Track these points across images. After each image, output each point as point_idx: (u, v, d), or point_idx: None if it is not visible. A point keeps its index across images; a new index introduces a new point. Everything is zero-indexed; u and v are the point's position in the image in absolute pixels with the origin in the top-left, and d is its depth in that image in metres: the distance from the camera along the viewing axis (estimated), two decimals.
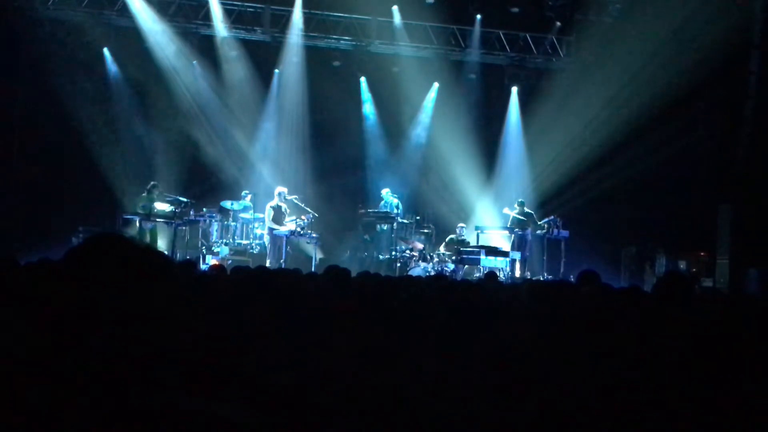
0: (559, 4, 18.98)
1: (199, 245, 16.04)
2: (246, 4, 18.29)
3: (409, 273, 14.99)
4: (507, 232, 17.11)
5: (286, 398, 2.47)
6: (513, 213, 17.12)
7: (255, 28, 18.49)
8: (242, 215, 16.32)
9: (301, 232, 15.69)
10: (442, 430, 2.56)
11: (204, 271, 11.24)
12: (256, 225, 16.25)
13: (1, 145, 16.89)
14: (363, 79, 19.52)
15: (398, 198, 17.67)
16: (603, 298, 4.75)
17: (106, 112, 17.22)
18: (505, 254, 16.08)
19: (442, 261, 16.46)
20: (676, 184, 17.23)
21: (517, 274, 16.25)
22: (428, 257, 16.54)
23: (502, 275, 15.08)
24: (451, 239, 17.17)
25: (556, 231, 16.61)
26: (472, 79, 19.48)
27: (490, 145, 19.41)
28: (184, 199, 15.66)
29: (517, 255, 16.45)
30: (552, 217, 16.90)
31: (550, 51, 19.50)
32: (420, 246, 16.78)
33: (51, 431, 1.77)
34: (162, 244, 15.70)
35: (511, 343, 3.61)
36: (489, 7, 18.98)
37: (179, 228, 15.50)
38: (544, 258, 16.69)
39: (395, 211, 17.22)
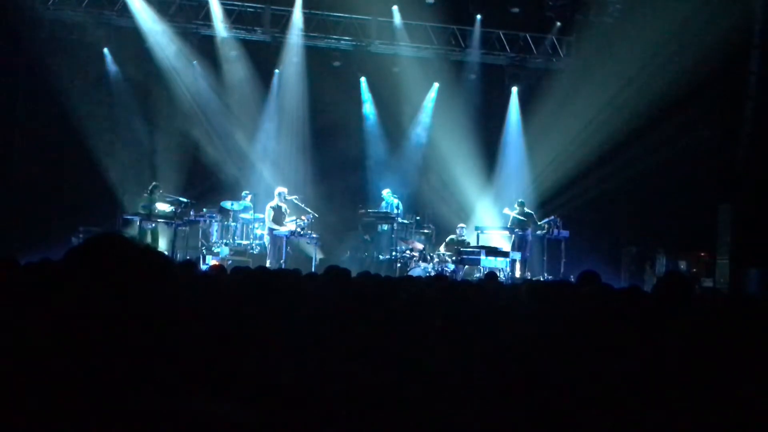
0: (560, 4, 18.97)
1: (199, 245, 16.04)
2: (246, 4, 18.29)
3: (410, 273, 14.99)
4: (507, 233, 17.11)
5: (286, 398, 2.47)
6: (513, 213, 17.12)
7: (255, 28, 18.49)
8: (242, 215, 16.32)
9: (301, 233, 15.69)
10: (442, 430, 2.56)
11: (204, 271, 11.24)
12: (256, 225, 16.25)
13: (1, 145, 16.89)
14: (363, 80, 19.52)
15: (398, 198, 17.67)
16: (603, 298, 4.75)
17: (106, 112, 17.23)
18: (505, 254, 16.08)
19: (442, 261, 16.46)
20: (677, 184, 17.24)
21: (518, 274, 16.25)
22: (428, 257, 16.54)
23: (502, 275, 15.08)
24: (451, 239, 17.18)
25: (556, 231, 16.61)
26: (472, 80, 19.47)
27: (491, 145, 19.40)
28: (185, 200, 15.67)
29: (517, 255, 16.45)
30: (552, 217, 16.90)
31: (550, 51, 19.50)
32: (420, 246, 16.78)
33: (51, 431, 1.77)
34: (162, 245, 15.70)
35: (511, 343, 3.61)
36: (489, 8, 18.97)
37: (179, 228, 15.50)
38: (545, 258, 16.69)
39: (395, 211, 17.22)
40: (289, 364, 2.87)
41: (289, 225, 15.66)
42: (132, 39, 17.57)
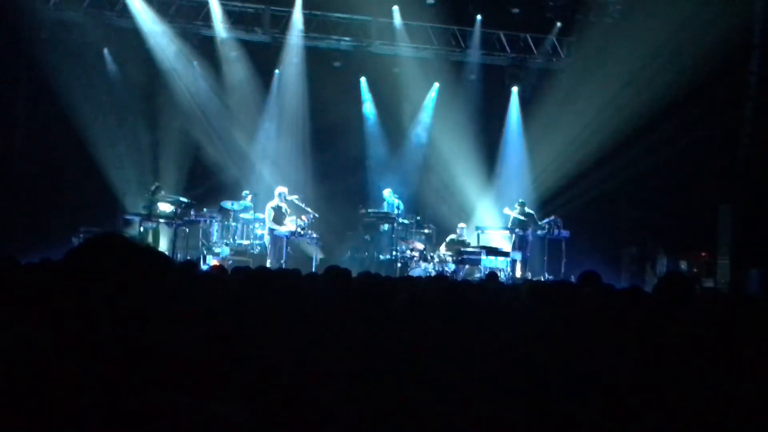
0: (560, 4, 18.97)
1: (200, 245, 16.03)
2: (246, 4, 18.29)
3: (410, 273, 14.99)
4: (508, 233, 17.11)
5: (286, 398, 2.47)
6: (514, 213, 17.12)
7: (255, 28, 18.48)
8: (243, 215, 16.32)
9: (302, 233, 15.69)
10: (442, 430, 2.56)
11: (204, 271, 11.24)
12: (257, 225, 16.25)
13: (1, 145, 16.88)
14: (363, 80, 19.53)
15: (399, 198, 17.67)
16: (604, 298, 4.75)
17: (106, 112, 17.21)
18: (505, 255, 16.08)
19: (442, 261, 16.45)
20: (677, 184, 17.23)
21: (518, 274, 16.25)
22: (429, 258, 16.54)
23: (502, 276, 15.08)
24: (452, 240, 17.17)
25: (556, 231, 16.60)
26: (472, 80, 19.47)
27: (491, 145, 19.41)
28: (185, 200, 15.67)
29: (517, 255, 16.45)
30: (553, 217, 16.90)
31: (550, 52, 19.50)
32: (420, 246, 16.78)
33: (51, 431, 1.77)
34: (163, 245, 15.70)
35: (511, 343, 3.61)
36: (489, 8, 18.96)
37: (180, 228, 15.50)
38: (545, 258, 16.69)
39: (396, 211, 17.22)
40: (289, 364, 2.87)
41: (290, 225, 15.66)
42: (132, 39, 17.57)
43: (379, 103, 19.51)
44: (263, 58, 18.66)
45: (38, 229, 15.85)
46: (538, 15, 19.08)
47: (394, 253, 16.50)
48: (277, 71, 18.95)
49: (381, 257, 16.57)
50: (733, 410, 2.75)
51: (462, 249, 16.28)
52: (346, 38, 18.77)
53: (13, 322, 2.11)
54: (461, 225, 17.52)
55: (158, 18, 17.63)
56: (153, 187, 15.68)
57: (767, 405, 2.77)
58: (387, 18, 18.75)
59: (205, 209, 16.06)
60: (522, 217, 16.96)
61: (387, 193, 17.65)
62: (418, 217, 17.74)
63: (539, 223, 16.91)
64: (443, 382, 2.85)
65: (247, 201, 16.61)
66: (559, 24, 19.18)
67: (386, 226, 16.88)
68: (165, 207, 15.53)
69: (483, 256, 15.67)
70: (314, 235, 15.99)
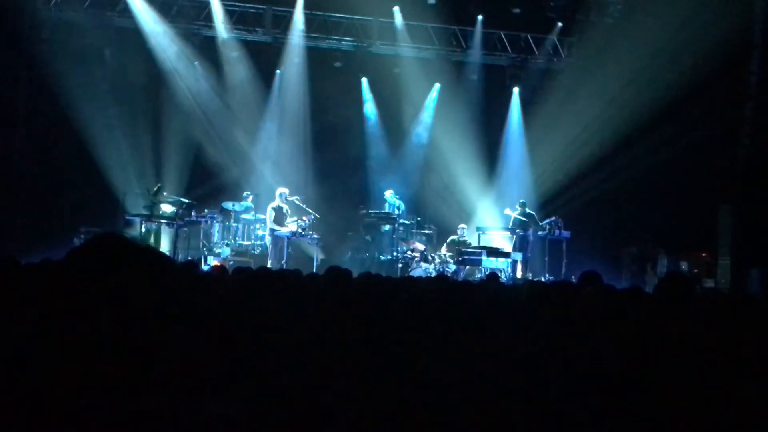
0: (561, 4, 18.97)
1: (201, 246, 16.03)
2: (247, 5, 18.30)
3: (411, 274, 14.99)
4: (508, 233, 17.11)
5: (286, 398, 2.48)
6: (514, 214, 17.12)
7: (256, 29, 18.50)
8: (244, 216, 16.31)
9: (303, 233, 15.69)
10: (442, 430, 2.56)
11: (205, 271, 11.24)
12: (258, 226, 16.24)
13: (2, 145, 16.89)
14: (364, 80, 19.53)
15: (400, 199, 17.67)
16: (604, 298, 4.74)
17: (107, 113, 17.20)
18: (506, 255, 16.08)
19: (443, 262, 16.45)
20: (677, 185, 17.22)
21: (519, 274, 16.24)
22: (429, 258, 16.54)
23: (503, 276, 15.07)
24: (453, 240, 17.18)
25: (557, 232, 16.60)
26: (473, 80, 19.47)
27: (492, 146, 19.40)
28: (186, 200, 15.67)
29: (518, 256, 16.45)
30: (553, 217, 16.89)
31: (551, 52, 19.51)
32: (421, 247, 16.78)
33: (52, 431, 1.78)
34: (164, 245, 15.70)
35: (512, 343, 3.60)
36: (490, 8, 18.98)
37: (181, 229, 15.50)
38: (546, 259, 16.69)
39: (396, 212, 17.22)
40: (289, 364, 2.87)
41: (291, 226, 15.67)
42: (133, 40, 17.57)
43: (380, 103, 19.52)
44: (264, 59, 18.66)
45: (39, 229, 15.83)
46: (539, 15, 19.09)
47: (394, 253, 16.50)
48: (278, 71, 18.95)
49: (382, 258, 16.56)
50: (734, 410, 2.75)
51: (463, 249, 16.28)
52: (347, 38, 18.78)
53: (14, 323, 2.11)
54: (462, 225, 17.53)
55: (159, 18, 17.64)
56: (155, 188, 15.66)
57: None
58: (388, 18, 18.76)
59: (206, 210, 16.05)
60: (523, 218, 16.95)
61: (389, 194, 17.66)
62: (419, 218, 17.75)
63: (540, 223, 16.91)
64: (443, 382, 2.85)
65: (248, 202, 16.61)
66: (559, 24, 19.19)
67: (387, 227, 16.88)
68: (166, 208, 15.53)
69: (484, 257, 15.67)
70: (315, 236, 15.99)
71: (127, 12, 17.48)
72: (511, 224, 17.08)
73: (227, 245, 15.94)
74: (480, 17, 19.01)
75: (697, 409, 2.75)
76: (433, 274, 14.99)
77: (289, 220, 15.76)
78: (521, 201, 17.41)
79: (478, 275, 15.41)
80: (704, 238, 16.66)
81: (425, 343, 3.52)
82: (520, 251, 16.61)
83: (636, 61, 17.27)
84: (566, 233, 16.68)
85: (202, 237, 16.13)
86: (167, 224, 15.42)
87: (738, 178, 15.97)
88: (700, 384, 2.94)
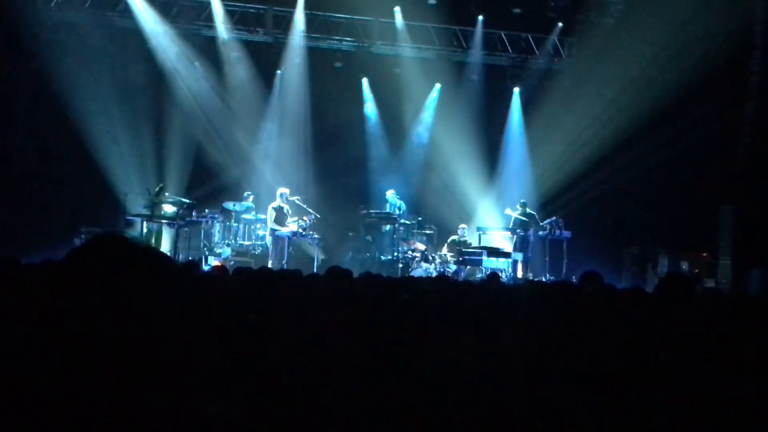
0: (561, 5, 18.98)
1: (202, 246, 16.03)
2: (248, 5, 18.30)
3: (411, 274, 14.99)
4: (509, 233, 17.10)
5: (286, 398, 2.47)
6: (515, 214, 17.10)
7: (257, 29, 18.50)
8: (244, 216, 16.31)
9: (303, 233, 15.69)
10: (443, 430, 2.56)
11: (206, 272, 11.24)
12: (258, 226, 16.24)
13: (3, 146, 16.90)
14: (365, 80, 19.53)
15: (401, 199, 17.67)
16: (605, 298, 4.75)
17: (107, 113, 17.20)
18: (507, 255, 16.07)
19: (444, 262, 16.46)
20: (678, 185, 17.22)
21: (519, 275, 16.23)
22: (430, 258, 16.54)
23: (504, 276, 15.06)
24: (453, 240, 17.17)
25: (558, 232, 16.59)
26: (474, 80, 19.48)
27: (492, 146, 19.40)
28: (187, 200, 15.67)
29: (519, 256, 16.44)
30: (554, 217, 16.88)
31: (551, 52, 19.51)
32: (422, 247, 16.78)
33: (52, 431, 1.77)
34: (165, 245, 15.70)
35: (513, 344, 3.60)
36: (491, 8, 18.98)
37: (182, 229, 15.51)
38: (546, 259, 16.68)
39: (397, 212, 17.22)
40: (289, 364, 2.87)
41: (291, 226, 15.66)
42: (134, 40, 17.58)
43: (381, 103, 19.53)
44: (265, 59, 18.67)
45: (39, 229, 15.85)
46: (540, 15, 19.10)
47: (395, 253, 16.51)
48: (278, 72, 18.96)
49: (382, 258, 16.57)
50: (734, 410, 2.75)
51: (463, 249, 16.28)
52: (348, 38, 18.79)
53: (14, 322, 2.11)
54: (462, 226, 17.52)
55: (160, 18, 17.64)
56: (157, 188, 15.66)
57: None
58: (388, 18, 18.76)
59: (206, 210, 16.05)
60: (523, 218, 16.93)
61: (390, 194, 17.67)
62: (420, 218, 17.75)
63: (540, 223, 16.89)
64: (444, 382, 2.85)
65: (249, 202, 16.61)
66: (560, 24, 19.19)
67: (387, 227, 16.89)
68: (168, 208, 15.54)
69: (484, 257, 15.67)
70: (316, 236, 15.99)
71: (127, 12, 17.49)
72: (511, 224, 17.07)
73: (228, 245, 15.93)
74: (480, 17, 19.01)
75: (697, 409, 2.74)
76: (434, 274, 14.99)
77: (289, 220, 15.76)
78: (522, 201, 17.39)
79: (479, 275, 15.41)
80: (705, 238, 16.65)
81: (426, 343, 3.52)
82: (520, 251, 16.60)
83: (636, 62, 17.27)
84: (567, 233, 16.67)
85: (202, 237, 16.13)
86: (168, 224, 15.42)
87: (739, 178, 15.96)
88: (701, 384, 2.94)
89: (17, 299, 2.87)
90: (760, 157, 15.60)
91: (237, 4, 18.23)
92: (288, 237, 15.55)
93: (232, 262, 14.87)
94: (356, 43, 18.85)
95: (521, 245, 16.78)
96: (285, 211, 15.79)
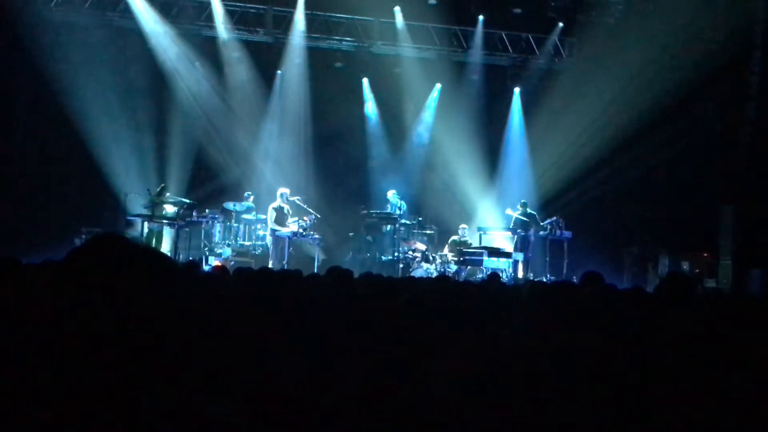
0: (562, 5, 18.98)
1: (202, 246, 16.03)
2: (248, 5, 18.30)
3: (412, 274, 14.98)
4: (510, 233, 17.10)
5: (286, 398, 2.47)
6: (516, 214, 17.10)
7: (257, 29, 18.51)
8: (245, 216, 16.32)
9: (304, 234, 15.69)
10: (443, 430, 2.56)
11: (207, 272, 11.23)
12: (259, 226, 16.25)
13: (3, 146, 16.90)
14: (365, 80, 19.53)
15: (401, 199, 17.67)
16: (606, 298, 4.74)
17: (108, 113, 17.20)
18: (507, 255, 16.07)
19: (444, 262, 16.45)
20: (679, 185, 17.23)
21: (520, 275, 16.23)
22: (431, 258, 16.54)
23: (504, 276, 15.06)
24: (454, 241, 17.17)
25: (558, 232, 16.59)
26: (474, 80, 19.49)
27: (493, 146, 19.41)
28: (187, 201, 15.68)
29: (519, 256, 16.44)
30: (555, 218, 16.88)
31: (552, 52, 19.51)
32: (422, 247, 16.77)
33: (52, 431, 1.77)
34: (165, 245, 15.70)
35: (513, 344, 3.60)
36: (491, 8, 18.99)
37: (182, 229, 15.51)
38: (547, 259, 16.68)
39: (398, 212, 17.22)
40: (290, 364, 2.87)
41: (292, 226, 15.66)
42: (134, 40, 17.58)
43: (381, 103, 19.53)
44: (265, 59, 18.67)
45: (40, 229, 15.86)
46: (540, 15, 19.10)
47: (396, 254, 16.51)
48: (279, 72, 18.96)
49: (383, 258, 16.57)
50: (735, 410, 2.75)
51: (464, 250, 16.28)
52: (348, 39, 18.79)
53: (15, 322, 2.11)
54: (463, 226, 17.51)
55: (160, 19, 17.64)
56: (158, 188, 15.67)
57: None
58: (389, 18, 18.76)
59: (207, 210, 16.06)
60: (524, 218, 16.92)
61: (391, 194, 17.66)
62: (420, 218, 17.75)
63: (541, 223, 16.89)
64: (444, 382, 2.85)
65: (249, 202, 16.62)
66: (560, 24, 19.20)
67: (388, 227, 16.90)
68: (169, 208, 15.55)
69: (485, 257, 15.66)
70: (316, 236, 15.99)
71: (127, 12, 17.48)
72: (512, 224, 17.06)
73: (228, 245, 15.93)
74: (481, 17, 19.01)
75: (698, 409, 2.74)
76: (435, 274, 14.99)
77: (290, 220, 15.76)
78: (522, 201, 17.38)
79: (480, 275, 15.40)
80: (706, 238, 16.65)
81: (426, 343, 3.51)
82: (521, 251, 16.60)
83: (637, 62, 17.26)
84: (567, 233, 16.67)
85: (203, 237, 16.14)
86: (168, 224, 15.44)
87: (739, 178, 15.96)
88: (702, 384, 2.94)
89: (17, 299, 2.87)
90: (761, 157, 15.60)
91: (237, 4, 18.24)
92: (288, 237, 15.55)
93: (233, 263, 14.87)
94: (356, 43, 18.85)
95: (522, 245, 16.77)
96: (285, 211, 15.79)
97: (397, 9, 18.66)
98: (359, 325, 3.71)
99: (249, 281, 5.54)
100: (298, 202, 16.03)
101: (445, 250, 17.01)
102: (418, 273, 15.34)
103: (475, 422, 2.61)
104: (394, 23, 18.80)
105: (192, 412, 1.87)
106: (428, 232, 17.70)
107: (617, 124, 17.47)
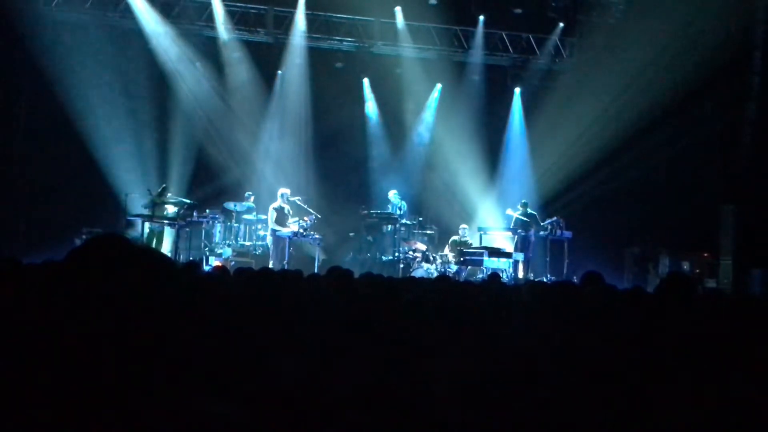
0: (562, 5, 18.98)
1: (202, 246, 16.04)
2: (249, 5, 18.30)
3: (412, 274, 14.97)
4: (510, 233, 17.10)
5: (286, 398, 2.47)
6: (516, 214, 17.09)
7: (258, 29, 18.50)
8: (245, 216, 16.32)
9: (304, 234, 15.69)
10: (444, 430, 2.55)
11: (207, 272, 11.23)
12: (259, 226, 16.25)
13: (3, 146, 16.90)
14: (366, 81, 19.53)
15: (402, 200, 17.67)
16: (606, 298, 4.74)
17: (109, 113, 17.20)
18: (508, 255, 16.06)
19: (445, 262, 16.45)
20: (679, 185, 17.23)
21: (520, 275, 16.23)
22: (431, 258, 16.54)
23: (505, 276, 15.05)
24: (455, 241, 17.16)
25: (559, 232, 16.59)
26: (475, 81, 19.49)
27: (493, 146, 19.41)
28: (188, 201, 15.68)
29: (520, 256, 16.43)
30: (555, 218, 16.87)
31: (552, 52, 19.50)
32: (423, 247, 16.77)
33: (52, 431, 1.77)
34: (166, 246, 15.71)
35: (513, 344, 3.60)
36: (492, 8, 18.99)
37: (182, 229, 15.51)
38: (547, 259, 16.68)
39: (398, 212, 17.21)
40: (290, 364, 2.87)
41: (292, 226, 15.66)
42: (135, 41, 17.58)
43: (382, 103, 19.53)
44: (266, 59, 18.66)
45: (40, 230, 15.86)
46: (541, 15, 19.10)
47: (396, 254, 16.50)
48: (279, 72, 18.96)
49: (383, 258, 16.57)
50: (735, 410, 2.75)
51: (464, 250, 16.28)
52: (349, 39, 18.79)
53: (15, 322, 2.11)
54: (463, 226, 17.50)
55: (161, 19, 17.64)
56: (160, 189, 15.67)
57: None
58: (389, 19, 18.76)
59: (207, 210, 16.06)
60: (524, 218, 16.92)
61: (392, 194, 17.65)
62: (420, 218, 17.75)
63: (541, 223, 16.88)
64: (444, 382, 2.85)
65: (250, 202, 16.63)
66: (561, 24, 19.19)
67: (388, 227, 16.90)
68: (170, 208, 15.56)
69: (485, 257, 15.66)
70: (316, 236, 15.99)
71: (128, 13, 17.48)
72: (512, 224, 17.05)
73: (229, 246, 15.94)
74: (481, 17, 19.01)
75: (698, 409, 2.74)
76: (435, 274, 14.98)
77: (290, 220, 15.76)
78: (523, 201, 17.38)
79: (480, 275, 15.40)
80: (706, 239, 16.65)
81: (427, 343, 3.51)
82: (521, 251, 16.59)
83: (637, 62, 17.27)
84: (568, 233, 16.67)
85: (203, 237, 16.15)
86: (169, 224, 15.44)
87: (739, 178, 15.96)
88: (702, 384, 2.94)
89: (18, 299, 2.87)
90: (761, 157, 15.61)
91: (238, 4, 18.24)
92: (289, 237, 15.56)
93: (233, 263, 14.87)
94: (357, 44, 18.85)
95: (522, 245, 16.77)
96: (286, 211, 15.79)
97: (397, 9, 18.66)
98: (360, 325, 3.71)
99: (249, 281, 5.53)
100: (298, 203, 16.03)
101: (446, 250, 17.01)
102: (418, 273, 15.33)
103: (475, 422, 2.61)
104: (394, 23, 18.80)
105: (192, 412, 1.87)
106: (429, 232, 17.69)
107: (617, 124, 17.47)
